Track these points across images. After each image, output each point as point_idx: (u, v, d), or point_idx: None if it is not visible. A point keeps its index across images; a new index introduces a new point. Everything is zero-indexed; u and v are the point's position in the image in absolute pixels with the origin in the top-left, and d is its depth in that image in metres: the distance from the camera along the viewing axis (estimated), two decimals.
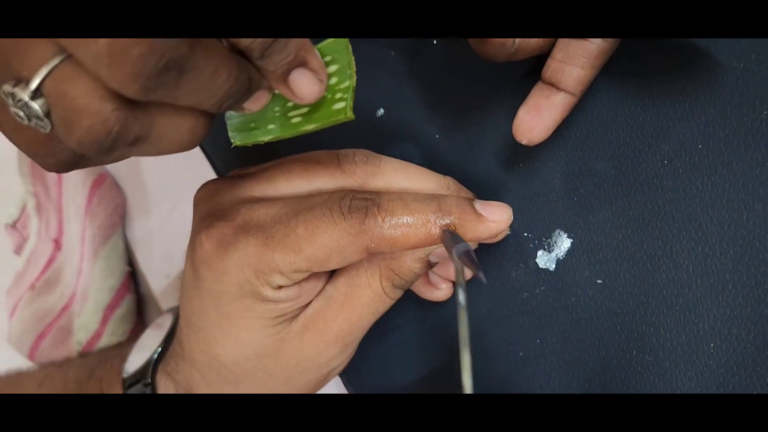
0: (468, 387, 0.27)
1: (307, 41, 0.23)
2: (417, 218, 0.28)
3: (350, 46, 0.26)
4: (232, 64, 0.21)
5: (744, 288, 0.27)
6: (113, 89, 0.19)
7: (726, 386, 0.27)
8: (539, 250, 0.32)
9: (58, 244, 0.58)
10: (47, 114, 0.20)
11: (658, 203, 0.29)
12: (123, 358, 0.38)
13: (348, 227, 0.27)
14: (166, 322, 0.38)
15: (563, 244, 0.31)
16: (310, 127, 0.26)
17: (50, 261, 0.58)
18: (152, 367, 0.35)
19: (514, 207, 0.32)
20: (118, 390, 0.36)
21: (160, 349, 0.36)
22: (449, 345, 0.35)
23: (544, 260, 0.31)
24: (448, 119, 0.35)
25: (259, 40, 0.21)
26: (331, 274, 0.32)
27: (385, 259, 0.30)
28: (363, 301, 0.31)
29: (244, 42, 0.21)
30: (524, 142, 0.29)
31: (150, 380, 0.35)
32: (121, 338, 0.50)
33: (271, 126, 0.27)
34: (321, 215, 0.28)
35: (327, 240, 0.28)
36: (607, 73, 0.29)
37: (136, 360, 0.36)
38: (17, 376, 0.44)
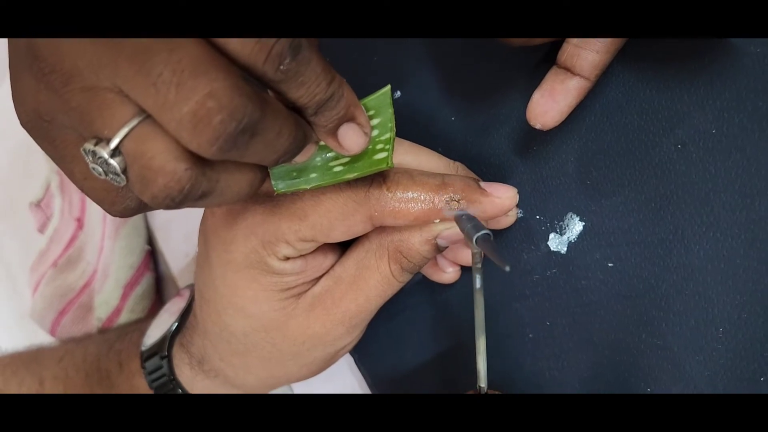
0: (482, 373, 0.28)
1: (354, 98, 0.25)
2: (422, 191, 0.28)
3: (392, 101, 0.28)
4: (292, 123, 0.22)
5: (754, 273, 0.27)
6: (190, 150, 0.21)
7: (734, 371, 0.27)
8: (551, 232, 0.32)
9: (80, 222, 0.59)
10: (124, 170, 0.21)
11: (671, 188, 0.29)
12: (142, 332, 0.39)
13: (353, 194, 0.28)
14: (185, 296, 0.39)
15: (575, 227, 0.31)
16: (351, 176, 0.27)
17: (72, 239, 0.60)
18: (169, 339, 0.36)
19: (527, 190, 0.32)
20: (135, 362, 0.37)
21: (177, 323, 0.37)
22: (458, 326, 0.36)
23: (556, 243, 0.32)
24: (464, 102, 0.35)
25: (318, 97, 0.23)
26: (340, 256, 0.32)
27: (393, 242, 0.30)
28: (371, 282, 0.31)
29: (303, 99, 0.22)
30: (538, 126, 0.30)
31: (166, 353, 0.36)
32: (140, 315, 0.52)
33: (313, 175, 0.28)
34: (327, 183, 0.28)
35: (331, 206, 0.28)
36: (621, 57, 0.29)
37: (154, 333, 0.37)
38: (38, 351, 0.45)
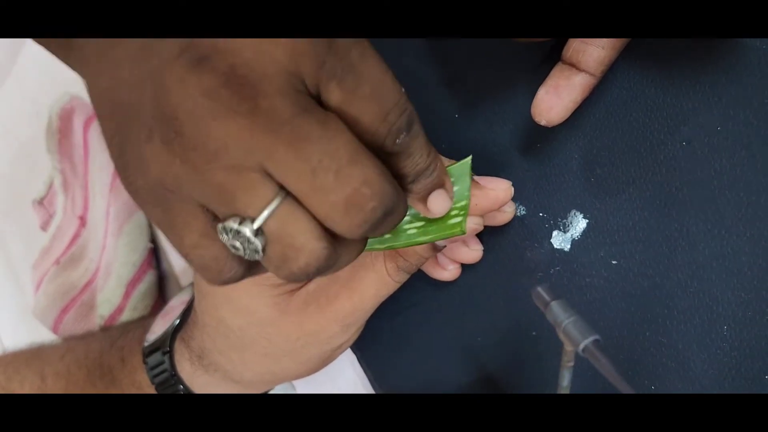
0: None
1: (444, 166, 0.26)
2: None
3: (471, 172, 0.29)
4: (404, 198, 0.23)
5: (760, 271, 0.27)
6: (335, 231, 0.21)
7: (738, 369, 0.27)
8: (554, 230, 0.32)
9: (83, 220, 0.59)
10: (263, 248, 0.22)
11: (676, 185, 0.29)
12: (145, 329, 0.39)
13: None
14: (188, 294, 0.39)
15: (579, 224, 0.31)
16: (424, 239, 0.28)
17: (75, 237, 0.60)
18: (171, 335, 0.36)
19: (531, 186, 0.32)
20: (137, 358, 0.37)
21: (179, 319, 0.37)
22: (461, 324, 0.36)
23: (560, 240, 0.32)
24: (467, 99, 0.35)
25: (419, 167, 0.24)
26: None
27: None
28: (365, 281, 0.31)
29: (406, 169, 0.23)
30: (543, 122, 0.30)
31: (168, 348, 0.36)
32: (142, 313, 0.51)
33: (387, 235, 0.28)
34: None
35: None
36: (626, 54, 0.29)
37: (157, 329, 0.38)
38: (40, 348, 0.45)
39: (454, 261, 0.35)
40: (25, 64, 0.62)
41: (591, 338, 0.24)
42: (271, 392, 0.40)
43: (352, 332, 0.33)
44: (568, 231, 0.31)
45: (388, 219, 0.22)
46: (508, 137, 0.34)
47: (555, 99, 0.29)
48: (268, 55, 0.20)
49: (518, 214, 0.33)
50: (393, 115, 0.22)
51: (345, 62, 0.21)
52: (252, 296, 0.31)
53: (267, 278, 0.31)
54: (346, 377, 0.42)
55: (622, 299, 0.30)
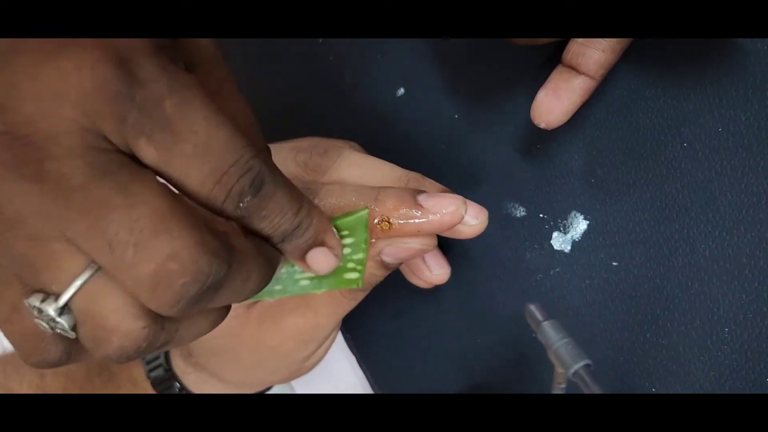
0: None
1: (326, 223, 0.23)
2: (350, 208, 0.27)
3: (367, 225, 0.27)
4: (261, 264, 0.21)
5: (760, 273, 0.27)
6: (149, 309, 0.19)
7: (739, 371, 0.27)
8: (555, 231, 0.32)
9: None
10: (73, 327, 0.19)
11: (677, 186, 0.29)
12: None
13: None
14: None
15: (579, 225, 0.31)
16: (318, 291, 0.27)
17: None
18: None
19: (531, 188, 0.32)
20: None
21: None
22: (459, 326, 0.36)
23: (560, 242, 0.32)
24: (467, 100, 0.35)
25: (282, 228, 0.21)
26: None
27: None
28: (319, 299, 0.30)
29: (266, 230, 0.21)
30: (542, 125, 0.29)
31: None
32: None
33: (278, 287, 0.27)
34: None
35: None
36: (627, 56, 0.29)
37: None
38: None
39: (443, 264, 0.33)
40: None
41: (582, 363, 0.23)
42: (271, 392, 0.40)
43: (312, 348, 0.33)
44: (568, 232, 0.31)
45: (214, 292, 0.19)
46: (508, 138, 0.34)
47: (555, 102, 0.29)
48: (52, 112, 0.17)
49: (518, 215, 0.33)
50: (230, 176, 0.19)
51: (155, 117, 0.18)
52: None
53: None
54: (344, 377, 0.42)
55: (623, 301, 0.30)
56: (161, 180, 0.19)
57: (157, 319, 0.20)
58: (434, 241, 0.28)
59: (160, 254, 0.18)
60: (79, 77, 0.17)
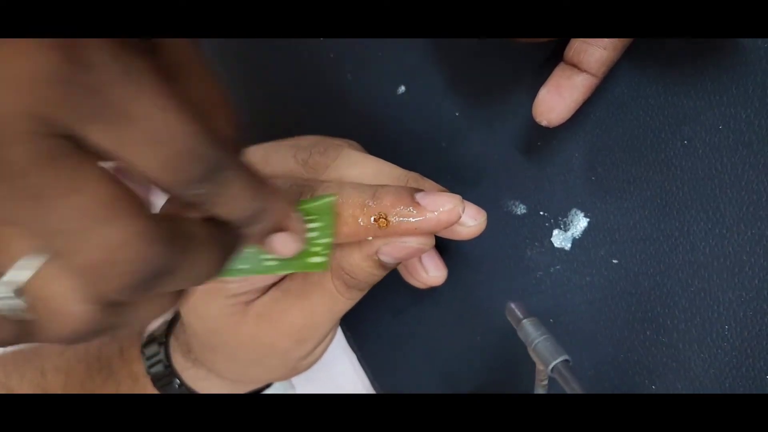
0: None
1: (288, 209, 0.23)
2: (346, 208, 0.27)
3: (335, 209, 0.27)
4: (213, 250, 0.21)
5: (761, 270, 0.27)
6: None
7: (739, 369, 0.27)
8: (555, 229, 0.32)
9: None
10: (25, 309, 0.20)
11: (677, 184, 0.29)
12: None
13: None
14: None
15: (580, 223, 0.31)
16: (284, 272, 0.27)
17: None
18: (167, 326, 0.37)
19: (531, 185, 0.32)
20: (135, 349, 0.38)
21: (172, 314, 0.37)
22: (461, 324, 0.36)
23: (560, 239, 0.32)
24: (468, 98, 0.35)
25: (241, 214, 0.21)
26: None
27: (336, 257, 0.29)
28: (315, 298, 0.30)
29: (225, 216, 0.21)
30: (544, 123, 0.29)
31: (164, 338, 0.37)
32: None
33: (243, 266, 0.27)
34: None
35: None
36: (628, 54, 0.29)
37: (156, 322, 0.38)
38: (41, 346, 0.45)
39: (440, 266, 0.33)
40: None
41: (560, 358, 0.23)
42: (272, 392, 0.40)
43: (310, 347, 0.33)
44: (568, 230, 0.31)
45: (165, 279, 0.19)
46: (508, 136, 0.34)
47: (556, 99, 0.29)
48: None
49: (519, 212, 0.33)
50: (181, 164, 0.18)
51: (104, 102, 0.17)
52: (208, 305, 0.31)
53: (221, 288, 0.30)
54: (345, 376, 0.42)
55: (623, 298, 0.30)
56: (108, 167, 0.19)
57: (107, 303, 0.20)
58: (432, 241, 0.28)
59: (103, 242, 0.17)
60: (25, 61, 0.16)
